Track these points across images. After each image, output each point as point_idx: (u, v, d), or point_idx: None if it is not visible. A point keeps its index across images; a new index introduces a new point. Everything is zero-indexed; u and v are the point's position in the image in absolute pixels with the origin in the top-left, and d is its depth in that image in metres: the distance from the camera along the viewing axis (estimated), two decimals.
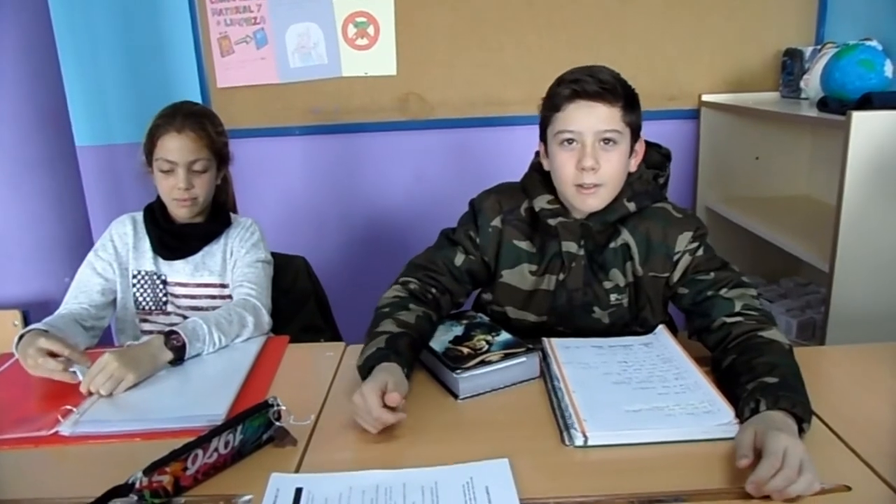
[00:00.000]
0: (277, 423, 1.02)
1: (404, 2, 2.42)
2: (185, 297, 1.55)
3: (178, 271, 1.55)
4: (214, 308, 1.44)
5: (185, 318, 1.43)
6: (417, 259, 1.38)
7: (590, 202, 1.27)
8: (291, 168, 2.63)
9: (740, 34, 2.43)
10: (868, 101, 1.63)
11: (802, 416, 0.95)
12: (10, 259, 1.92)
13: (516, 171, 1.43)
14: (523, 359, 1.18)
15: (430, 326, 1.26)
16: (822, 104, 1.82)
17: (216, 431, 0.93)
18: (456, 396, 1.14)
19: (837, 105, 1.75)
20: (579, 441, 0.99)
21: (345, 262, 2.67)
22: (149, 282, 1.55)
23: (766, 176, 2.46)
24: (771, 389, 0.98)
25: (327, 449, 1.02)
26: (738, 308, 1.19)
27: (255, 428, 0.99)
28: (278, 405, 1.02)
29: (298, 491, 0.90)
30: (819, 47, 2.14)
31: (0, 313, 1.67)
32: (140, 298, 1.55)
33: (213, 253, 1.57)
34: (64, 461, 1.03)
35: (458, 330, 1.29)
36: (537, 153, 1.37)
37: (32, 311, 1.67)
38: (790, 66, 2.26)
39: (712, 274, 1.27)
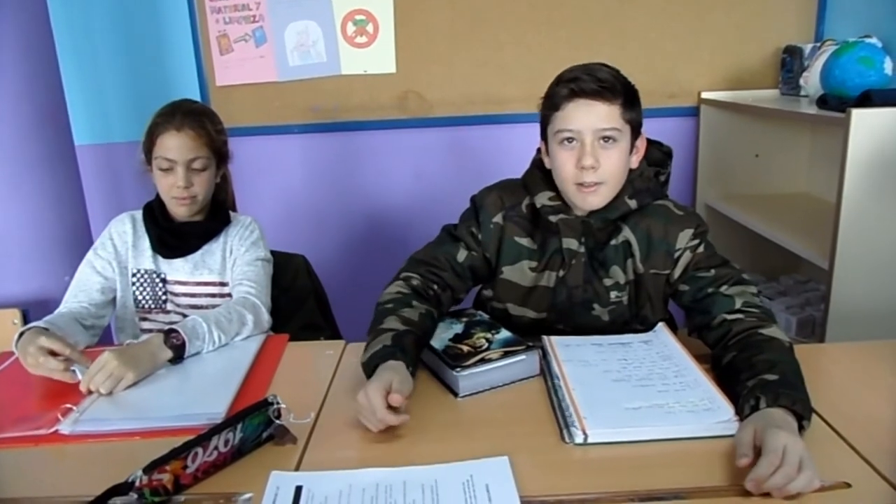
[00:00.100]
0: (277, 422, 1.02)
1: None
2: (185, 295, 1.55)
3: (177, 270, 1.55)
4: (214, 306, 1.44)
5: (185, 316, 1.43)
6: (419, 254, 1.38)
7: (590, 200, 1.27)
8: (291, 166, 2.63)
9: (740, 31, 2.43)
10: (868, 99, 1.63)
11: (802, 413, 0.95)
12: (9, 258, 1.92)
13: (516, 169, 1.43)
14: (523, 357, 1.18)
15: (432, 324, 1.26)
16: (822, 101, 1.82)
17: (216, 430, 0.93)
18: (456, 394, 1.14)
19: (837, 102, 1.74)
20: (579, 439, 0.99)
21: (344, 260, 2.67)
22: (148, 280, 1.55)
23: (765, 173, 2.46)
24: (771, 387, 0.98)
25: (327, 447, 1.02)
26: (738, 305, 1.20)
27: (254, 426, 0.99)
28: (278, 403, 1.02)
29: (298, 489, 0.90)
30: (819, 45, 2.14)
31: (0, 312, 1.67)
32: (139, 297, 1.55)
33: (212, 251, 1.57)
34: (64, 460, 1.03)
35: (458, 328, 1.29)
36: (539, 149, 1.37)
37: (32, 310, 1.66)
38: (790, 63, 2.26)
39: (713, 271, 1.27)
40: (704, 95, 2.46)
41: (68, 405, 1.13)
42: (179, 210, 1.53)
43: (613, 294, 1.34)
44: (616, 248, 1.32)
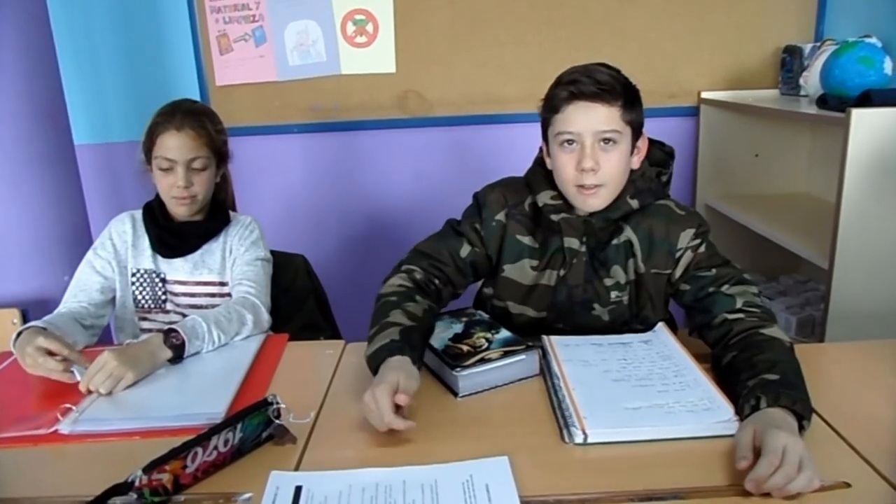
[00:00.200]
0: (277, 421, 1.02)
1: None
2: (185, 295, 1.55)
3: (177, 269, 1.55)
4: (213, 306, 1.44)
5: (185, 316, 1.43)
6: (422, 246, 1.38)
7: (591, 202, 1.27)
8: (291, 166, 2.63)
9: (740, 31, 2.43)
10: (867, 99, 1.63)
11: (802, 413, 0.95)
12: (9, 257, 1.92)
13: (516, 169, 1.43)
14: (523, 356, 1.18)
15: (433, 321, 1.27)
16: (822, 101, 1.82)
17: (216, 429, 0.93)
18: (455, 394, 1.14)
19: (837, 102, 1.74)
20: (579, 438, 0.99)
21: (344, 260, 2.67)
22: (148, 280, 1.55)
23: (765, 173, 2.46)
24: (771, 386, 0.98)
25: (327, 447, 1.02)
26: (739, 305, 1.20)
27: (254, 426, 0.99)
28: (278, 403, 1.01)
29: (298, 489, 0.90)
30: (818, 44, 2.14)
31: None
32: (139, 297, 1.55)
33: (212, 251, 1.57)
34: (63, 459, 1.03)
35: (458, 327, 1.29)
36: (541, 148, 1.37)
37: (31, 310, 1.66)
38: (790, 63, 2.26)
39: (714, 270, 1.27)
40: (704, 95, 2.46)
41: (68, 405, 1.12)
42: (179, 210, 1.53)
43: (614, 294, 1.34)
44: (617, 247, 1.32)
